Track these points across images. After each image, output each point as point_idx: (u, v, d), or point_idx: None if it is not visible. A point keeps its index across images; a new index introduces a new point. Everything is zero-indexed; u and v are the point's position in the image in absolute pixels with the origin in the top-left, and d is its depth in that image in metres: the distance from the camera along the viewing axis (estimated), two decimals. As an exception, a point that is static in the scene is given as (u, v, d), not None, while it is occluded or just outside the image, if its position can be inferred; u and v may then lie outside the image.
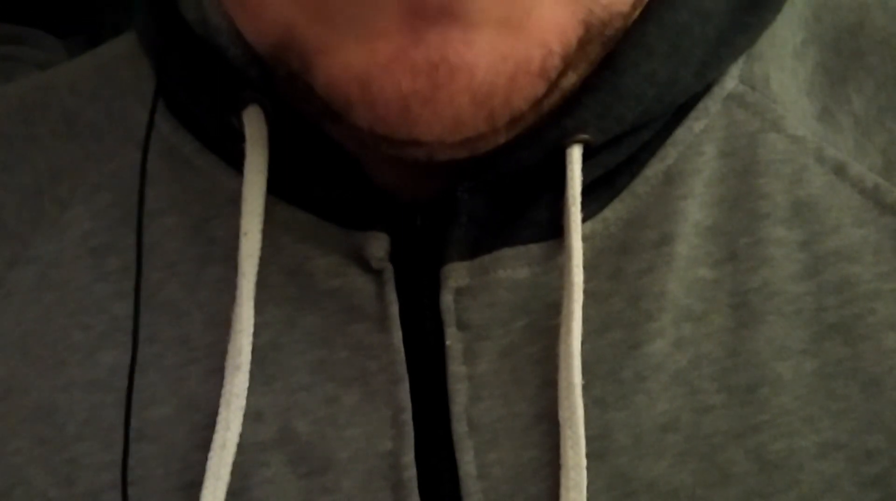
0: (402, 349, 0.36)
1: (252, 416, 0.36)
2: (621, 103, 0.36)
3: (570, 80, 0.35)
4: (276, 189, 0.37)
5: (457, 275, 0.36)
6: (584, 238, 0.36)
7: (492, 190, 0.37)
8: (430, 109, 0.32)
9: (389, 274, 0.37)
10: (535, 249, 0.37)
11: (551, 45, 0.32)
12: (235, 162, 0.37)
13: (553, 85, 0.33)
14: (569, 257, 0.35)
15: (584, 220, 0.36)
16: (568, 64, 0.33)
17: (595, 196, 0.37)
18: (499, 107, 0.32)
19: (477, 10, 0.31)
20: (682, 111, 0.38)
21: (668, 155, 0.38)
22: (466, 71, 0.31)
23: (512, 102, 0.33)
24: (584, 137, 0.36)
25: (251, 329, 0.36)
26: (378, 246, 0.37)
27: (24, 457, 0.37)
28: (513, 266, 0.37)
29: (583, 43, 0.33)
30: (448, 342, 0.36)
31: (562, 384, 0.35)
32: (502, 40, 0.32)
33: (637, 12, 0.36)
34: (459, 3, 0.31)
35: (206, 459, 0.35)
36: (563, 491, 0.34)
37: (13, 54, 0.90)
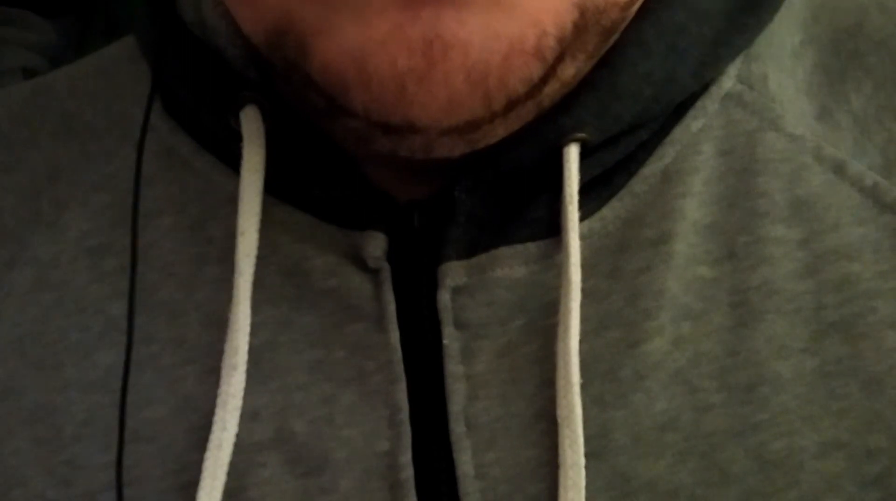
0: (399, 349, 0.36)
1: (249, 416, 0.36)
2: (619, 102, 0.36)
3: (569, 70, 0.35)
4: (273, 189, 0.37)
5: (454, 274, 0.36)
6: (582, 237, 0.36)
7: (489, 189, 0.37)
8: (425, 88, 0.32)
9: (387, 274, 0.37)
10: (532, 247, 0.37)
11: (545, 25, 0.32)
12: (233, 162, 0.37)
13: (550, 70, 0.33)
14: (567, 256, 0.35)
15: (581, 219, 0.36)
16: (565, 49, 0.33)
17: (593, 195, 0.37)
18: (494, 87, 0.33)
19: None
20: (680, 110, 0.38)
21: (667, 154, 0.38)
22: (460, 48, 0.32)
23: (507, 83, 0.33)
24: (582, 135, 0.36)
25: (248, 329, 0.36)
26: (375, 246, 0.37)
27: (22, 458, 0.37)
28: (510, 265, 0.36)
29: (579, 29, 0.33)
30: (445, 342, 0.36)
31: (560, 383, 0.35)
32: (495, 19, 0.32)
33: (635, 8, 0.36)
34: None
35: (202, 459, 0.35)
36: (561, 491, 0.34)
37: (1, 35, 0.90)
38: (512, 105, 0.33)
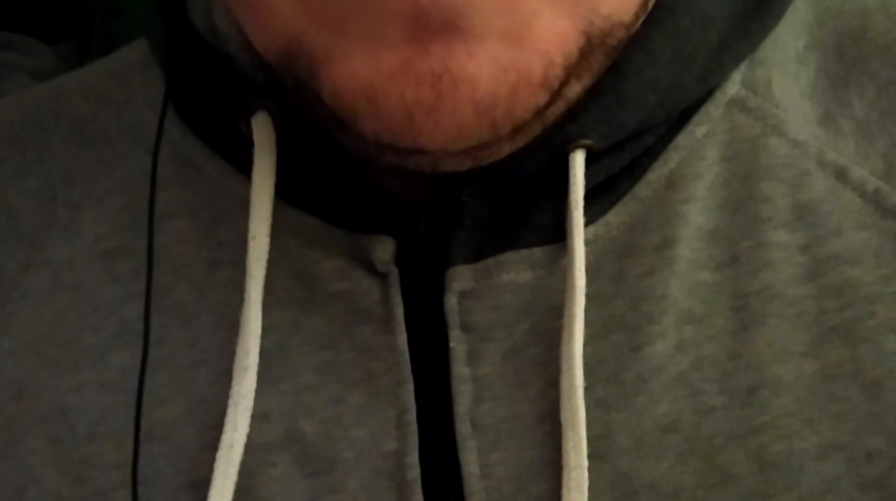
0: (406, 351, 0.37)
1: (259, 416, 0.36)
2: (624, 109, 0.37)
3: (574, 89, 0.35)
4: (283, 193, 0.38)
5: (461, 278, 0.37)
6: (587, 242, 0.37)
7: (496, 194, 0.37)
8: (433, 119, 0.32)
9: (395, 277, 0.37)
10: (538, 252, 0.37)
11: (552, 55, 0.33)
12: (244, 167, 0.38)
13: (556, 94, 0.34)
14: (571, 261, 0.36)
15: (586, 224, 0.37)
16: (570, 73, 0.34)
17: (598, 200, 0.38)
18: (501, 117, 0.33)
19: (479, 23, 0.32)
20: (684, 116, 0.39)
21: (671, 159, 0.38)
22: (469, 82, 0.32)
23: (514, 112, 0.33)
24: (587, 142, 0.36)
25: (259, 331, 0.36)
26: (384, 250, 0.37)
27: (37, 457, 0.38)
28: (516, 269, 0.37)
29: (584, 53, 0.34)
30: (452, 344, 0.37)
31: (564, 386, 0.35)
32: (504, 52, 0.32)
33: (639, 23, 0.36)
34: (462, 16, 0.31)
35: (214, 458, 0.36)
36: (564, 491, 0.35)
37: (2, 60, 0.91)
38: (518, 130, 0.34)
